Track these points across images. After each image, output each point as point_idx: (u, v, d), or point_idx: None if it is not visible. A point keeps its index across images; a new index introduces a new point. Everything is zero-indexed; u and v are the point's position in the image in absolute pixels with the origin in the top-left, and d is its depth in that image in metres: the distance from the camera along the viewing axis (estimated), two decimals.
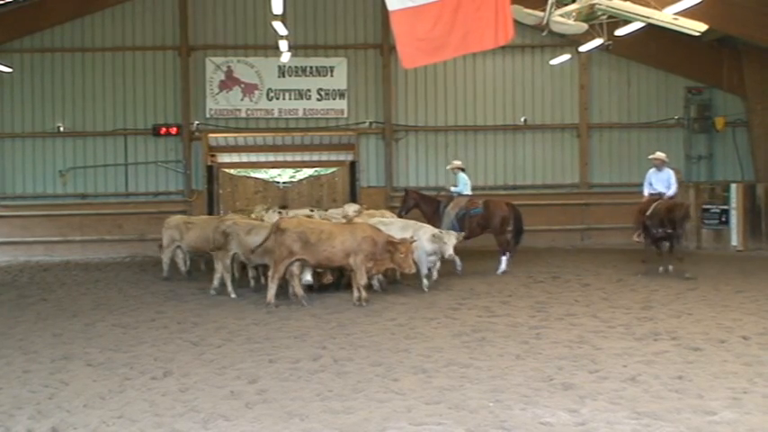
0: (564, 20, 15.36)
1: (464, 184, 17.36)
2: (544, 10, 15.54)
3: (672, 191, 15.88)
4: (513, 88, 23.43)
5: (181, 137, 22.69)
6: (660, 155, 16.22)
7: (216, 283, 13.91)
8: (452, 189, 17.43)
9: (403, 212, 17.52)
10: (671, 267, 15.61)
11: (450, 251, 13.82)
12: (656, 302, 12.56)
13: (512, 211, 16.78)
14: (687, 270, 15.54)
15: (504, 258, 16.51)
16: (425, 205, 17.64)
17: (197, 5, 22.88)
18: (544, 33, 16.53)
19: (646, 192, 16.18)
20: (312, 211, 17.51)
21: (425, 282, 13.77)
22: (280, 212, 17.18)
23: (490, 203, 16.90)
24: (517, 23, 13.02)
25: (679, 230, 15.27)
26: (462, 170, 17.63)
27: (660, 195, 15.77)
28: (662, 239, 15.66)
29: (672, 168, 16.61)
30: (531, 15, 15.83)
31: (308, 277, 13.02)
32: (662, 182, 15.95)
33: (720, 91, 23.08)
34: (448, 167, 18.62)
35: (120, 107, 22.69)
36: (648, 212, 15.56)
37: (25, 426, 6.74)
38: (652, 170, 16.24)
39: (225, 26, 23.00)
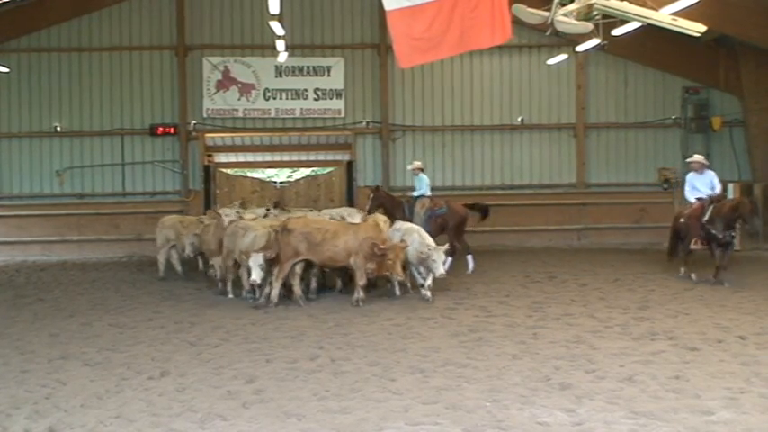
0: (568, 19, 15.27)
1: (426, 186, 17.60)
2: (547, 9, 15.49)
3: (716, 192, 15.06)
4: (510, 88, 23.41)
5: (178, 137, 22.65)
6: (699, 157, 15.56)
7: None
8: (415, 193, 17.57)
9: (372, 211, 17.37)
10: (718, 277, 14.50)
11: (440, 270, 12.79)
12: (653, 302, 12.58)
13: (467, 213, 17.24)
14: (726, 278, 14.49)
15: (470, 257, 16.62)
16: (390, 205, 17.79)
17: (194, 5, 22.84)
18: (548, 33, 16.43)
19: (691, 197, 15.29)
20: (268, 210, 17.52)
21: (423, 291, 13.12)
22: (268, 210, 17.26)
23: (452, 205, 17.18)
24: (514, 23, 12.98)
25: (749, 226, 14.70)
26: (422, 170, 17.86)
27: (710, 198, 14.84)
28: (727, 244, 14.49)
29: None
30: (535, 15, 15.75)
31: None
32: (705, 184, 15.11)
33: (717, 91, 23.07)
34: (409, 167, 18.63)
35: (117, 107, 22.64)
36: (707, 217, 14.53)
37: (23, 425, 6.74)
38: (691, 174, 15.46)
39: (222, 26, 22.98)
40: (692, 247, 14.94)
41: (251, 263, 12.38)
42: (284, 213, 17.41)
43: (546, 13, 15.52)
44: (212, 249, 14.51)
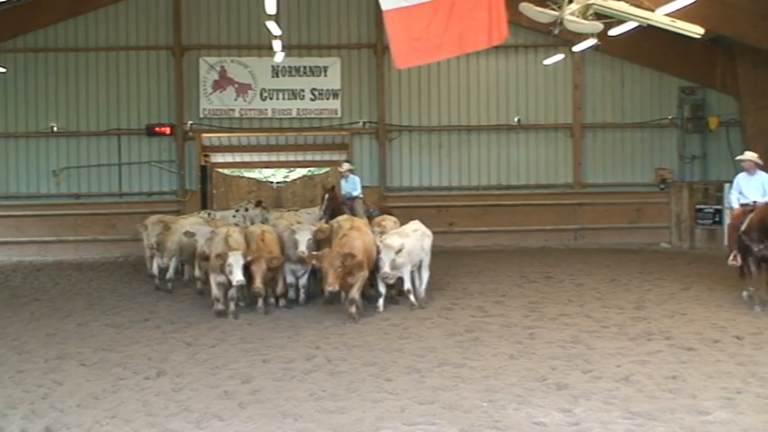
0: (578, 18, 15.18)
1: (360, 186, 17.55)
2: (554, 9, 15.45)
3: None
4: (506, 88, 23.42)
5: (174, 137, 22.63)
6: (751, 155, 13.05)
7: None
8: (354, 193, 17.35)
9: (327, 213, 16.60)
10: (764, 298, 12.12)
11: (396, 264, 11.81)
12: (650, 302, 12.57)
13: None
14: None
15: None
16: (337, 206, 17.18)
17: (191, 5, 22.83)
18: (557, 32, 16.33)
19: (735, 203, 12.96)
20: (247, 210, 17.39)
21: (411, 298, 12.30)
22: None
23: (382, 207, 17.48)
24: (510, 23, 12.95)
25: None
26: (352, 172, 17.69)
27: (755, 205, 12.45)
28: (765, 259, 12.10)
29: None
30: (543, 14, 15.68)
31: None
32: (755, 188, 12.67)
33: (714, 91, 23.11)
34: (340, 169, 18.08)
35: (114, 107, 22.64)
36: (744, 227, 12.28)
37: (19, 425, 6.74)
38: (741, 175, 13.01)
39: (218, 26, 22.97)
40: (731, 262, 12.61)
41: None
42: (266, 213, 17.46)
43: (555, 12, 15.47)
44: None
